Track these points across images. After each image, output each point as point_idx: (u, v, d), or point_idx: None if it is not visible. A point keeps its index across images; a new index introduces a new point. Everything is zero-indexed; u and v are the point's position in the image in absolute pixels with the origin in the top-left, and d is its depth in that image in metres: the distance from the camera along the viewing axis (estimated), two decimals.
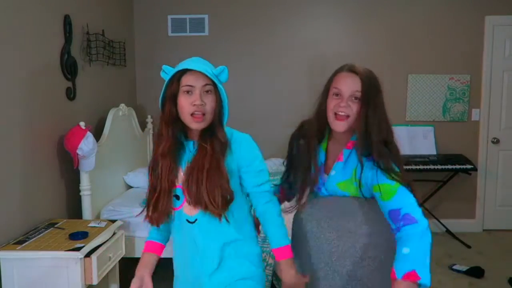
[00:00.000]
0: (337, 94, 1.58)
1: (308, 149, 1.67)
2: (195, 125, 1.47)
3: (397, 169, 1.52)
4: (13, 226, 2.39)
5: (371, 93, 1.55)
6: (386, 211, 1.45)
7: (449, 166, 4.04)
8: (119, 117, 3.54)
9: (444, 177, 4.32)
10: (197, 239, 1.52)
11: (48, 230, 2.48)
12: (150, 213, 1.53)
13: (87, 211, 2.93)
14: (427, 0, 4.28)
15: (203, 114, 1.45)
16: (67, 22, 2.94)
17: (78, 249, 2.22)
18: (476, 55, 4.32)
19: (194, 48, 4.36)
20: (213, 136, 1.48)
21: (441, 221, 4.34)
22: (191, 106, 1.45)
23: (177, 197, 1.51)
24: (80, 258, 2.22)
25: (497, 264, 3.67)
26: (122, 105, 3.61)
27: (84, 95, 3.20)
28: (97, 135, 3.20)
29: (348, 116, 1.55)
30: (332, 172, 1.62)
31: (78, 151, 2.73)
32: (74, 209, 3.01)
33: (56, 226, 2.56)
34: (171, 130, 1.51)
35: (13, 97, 2.41)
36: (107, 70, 3.66)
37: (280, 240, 1.53)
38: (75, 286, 2.22)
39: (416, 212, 1.40)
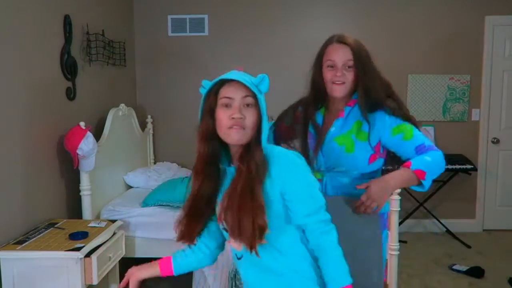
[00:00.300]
0: (331, 66, 1.72)
1: (306, 114, 1.79)
2: (234, 137, 1.30)
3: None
4: (13, 226, 2.39)
5: (362, 60, 1.72)
6: (411, 148, 1.67)
7: (449, 166, 4.04)
8: (119, 117, 3.54)
9: (444, 177, 4.31)
10: (246, 277, 1.42)
11: (48, 230, 2.48)
12: (182, 231, 1.45)
13: (87, 211, 2.93)
14: (427, 0, 4.28)
15: (243, 128, 1.30)
16: (67, 22, 2.94)
17: (78, 249, 2.22)
18: (476, 55, 4.32)
19: (194, 48, 4.37)
20: (250, 156, 1.31)
21: (441, 221, 4.34)
22: (230, 120, 1.30)
23: (226, 229, 1.36)
24: (80, 258, 2.21)
25: (497, 264, 3.67)
26: (122, 105, 3.61)
27: (84, 95, 3.20)
28: (97, 135, 3.20)
29: (343, 83, 1.71)
30: (332, 129, 1.76)
31: (78, 151, 2.73)
32: (74, 209, 3.01)
33: (56, 226, 2.56)
34: (208, 147, 1.37)
35: (13, 97, 2.41)
36: (107, 70, 3.66)
37: (339, 279, 1.31)
38: (75, 286, 2.22)
39: (433, 145, 1.69)
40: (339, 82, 1.70)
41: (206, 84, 1.37)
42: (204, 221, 1.43)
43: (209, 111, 1.35)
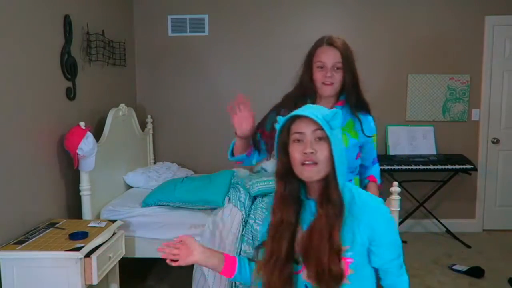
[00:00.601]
0: (321, 67, 1.84)
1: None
2: (306, 175, 1.32)
3: None
4: (13, 226, 2.39)
5: (349, 62, 1.84)
6: (374, 156, 2.15)
7: (449, 166, 4.04)
8: (119, 117, 3.54)
9: (444, 177, 4.32)
10: None
11: (48, 230, 2.48)
12: (267, 277, 1.38)
13: (87, 211, 2.93)
14: (427, 0, 4.27)
15: (315, 164, 1.30)
16: (67, 22, 2.94)
17: (78, 249, 2.22)
18: (476, 55, 4.32)
19: (194, 48, 4.37)
20: (328, 198, 1.32)
21: (441, 221, 4.34)
22: (302, 155, 1.31)
23: (297, 262, 1.38)
24: (80, 258, 2.21)
25: (497, 264, 3.67)
26: (122, 105, 3.61)
27: (84, 95, 3.20)
28: (97, 135, 3.20)
29: (333, 83, 1.84)
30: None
31: (78, 151, 2.73)
32: (74, 209, 3.01)
33: (56, 226, 2.56)
34: (286, 187, 1.38)
35: (13, 97, 2.41)
36: (107, 70, 3.66)
37: None
38: (75, 286, 2.22)
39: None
40: (328, 83, 1.83)
41: (280, 120, 1.40)
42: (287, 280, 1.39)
43: (283, 148, 1.38)
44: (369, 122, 1.98)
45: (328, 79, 1.82)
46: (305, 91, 1.91)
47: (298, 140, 1.33)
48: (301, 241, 1.35)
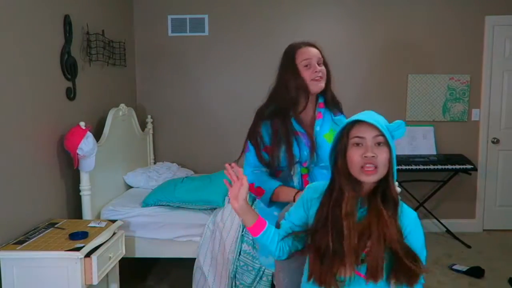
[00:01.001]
0: (307, 65, 1.90)
1: (285, 124, 1.89)
2: (366, 178, 1.36)
3: None
4: (13, 226, 2.39)
5: (325, 59, 1.96)
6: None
7: (449, 166, 4.04)
8: (119, 117, 3.54)
9: (444, 177, 4.32)
10: None
11: (48, 230, 2.48)
12: (319, 278, 1.40)
13: (87, 211, 2.94)
14: (427, 0, 4.28)
15: (376, 167, 1.35)
16: (67, 22, 2.94)
17: (78, 249, 2.22)
18: (476, 55, 4.32)
19: (194, 48, 4.37)
20: (385, 195, 1.39)
21: (441, 221, 4.34)
22: (362, 159, 1.36)
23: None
24: (80, 258, 2.21)
25: (497, 264, 3.67)
26: (122, 105, 3.61)
27: (84, 95, 3.20)
28: (97, 135, 3.20)
29: (322, 77, 1.92)
30: (317, 128, 1.94)
31: (78, 151, 2.73)
32: (74, 209, 3.01)
33: (56, 226, 2.56)
34: (350, 184, 1.40)
35: (13, 97, 2.41)
36: (107, 70, 3.66)
37: None
38: (75, 286, 2.22)
39: None
40: (318, 78, 1.90)
41: (341, 122, 1.52)
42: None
43: (342, 151, 1.42)
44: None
45: (318, 73, 1.90)
46: (297, 96, 1.90)
47: (358, 144, 1.38)
48: (355, 234, 1.38)
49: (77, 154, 2.74)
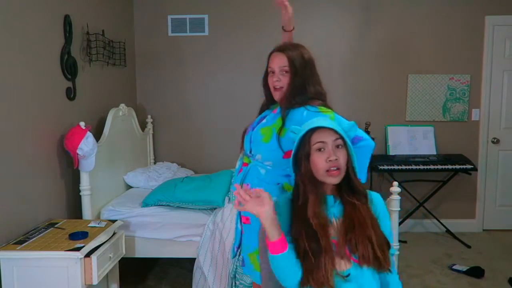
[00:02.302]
0: (272, 72, 1.94)
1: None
2: (331, 180, 1.49)
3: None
4: (13, 226, 2.39)
5: (296, 66, 1.89)
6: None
7: (449, 166, 4.04)
8: (119, 117, 3.54)
9: (444, 177, 4.32)
10: None
11: (48, 230, 2.48)
12: (313, 279, 1.42)
13: (87, 211, 2.93)
14: (427, 0, 4.27)
15: (338, 169, 1.48)
16: (67, 22, 2.94)
17: (78, 249, 2.22)
18: (476, 55, 4.32)
19: (194, 48, 4.37)
20: (353, 190, 1.52)
21: (441, 221, 4.34)
22: (326, 163, 1.47)
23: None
24: (80, 258, 2.21)
25: (497, 264, 3.67)
26: (122, 105, 3.61)
27: (84, 95, 3.20)
28: (97, 135, 3.20)
29: (281, 87, 1.91)
30: (264, 121, 1.98)
31: (78, 151, 2.73)
32: (74, 209, 3.01)
33: (56, 226, 2.56)
34: (314, 187, 1.50)
35: (13, 97, 2.41)
36: (107, 70, 3.66)
37: None
38: (75, 286, 2.22)
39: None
40: (278, 87, 1.92)
41: (297, 130, 1.55)
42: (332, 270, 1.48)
43: (305, 157, 1.51)
44: (298, 115, 1.86)
45: (276, 83, 1.91)
46: (267, 100, 2.03)
47: (320, 149, 1.49)
48: (341, 230, 1.48)
49: (77, 154, 2.74)
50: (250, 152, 2.00)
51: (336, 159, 1.46)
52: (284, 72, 1.91)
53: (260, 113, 2.08)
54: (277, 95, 1.93)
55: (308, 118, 1.79)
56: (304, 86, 1.90)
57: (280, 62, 1.91)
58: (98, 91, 3.48)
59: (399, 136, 4.34)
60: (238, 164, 2.11)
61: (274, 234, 1.45)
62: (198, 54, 4.38)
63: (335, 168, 1.47)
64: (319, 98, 1.92)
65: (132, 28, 4.33)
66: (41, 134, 2.67)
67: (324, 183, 1.51)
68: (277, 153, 1.89)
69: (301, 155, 1.52)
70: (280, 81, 1.91)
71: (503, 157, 4.43)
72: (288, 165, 1.83)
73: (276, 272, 1.48)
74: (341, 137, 1.50)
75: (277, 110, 1.95)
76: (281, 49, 1.95)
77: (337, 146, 1.50)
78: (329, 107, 1.90)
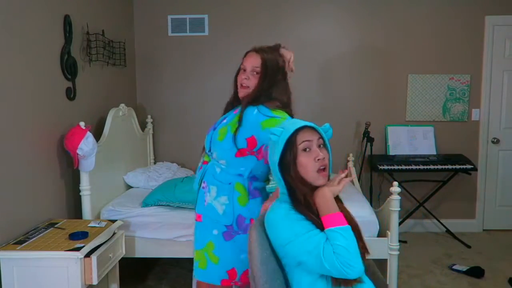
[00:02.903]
0: (244, 70, 1.95)
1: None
2: (322, 181, 1.47)
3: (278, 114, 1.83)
4: (13, 226, 2.39)
5: (268, 69, 1.89)
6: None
7: (449, 166, 4.04)
8: (119, 117, 3.54)
9: (444, 177, 4.32)
10: None
11: (48, 230, 2.48)
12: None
13: (87, 211, 2.93)
14: (427, 0, 4.28)
15: (325, 169, 1.48)
16: (67, 22, 2.94)
17: (78, 249, 2.22)
18: (476, 55, 4.32)
19: (194, 48, 4.37)
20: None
21: (441, 221, 4.34)
22: (315, 162, 1.45)
23: None
24: (80, 258, 2.21)
25: (497, 264, 3.67)
26: (122, 105, 3.61)
27: (84, 95, 3.20)
28: (97, 135, 3.20)
29: (248, 87, 1.91)
30: (224, 121, 1.99)
31: (78, 151, 2.73)
32: (74, 209, 3.01)
33: (56, 226, 2.56)
34: (307, 188, 1.49)
35: (13, 97, 2.41)
36: (107, 70, 3.66)
37: None
38: (75, 286, 2.22)
39: None
40: (244, 85, 1.93)
41: (277, 131, 1.50)
42: None
43: (293, 161, 1.47)
44: (250, 115, 1.86)
45: (244, 80, 1.93)
46: (234, 97, 2.05)
47: (305, 149, 1.46)
48: None
49: (77, 154, 2.74)
50: (210, 150, 2.02)
51: (324, 158, 1.46)
52: (254, 73, 1.91)
53: (224, 112, 2.10)
54: (241, 93, 1.95)
55: (257, 118, 1.82)
56: (270, 91, 1.90)
57: (253, 62, 1.92)
58: (98, 91, 3.48)
59: (399, 136, 4.34)
60: (200, 161, 2.15)
61: (336, 207, 1.44)
62: (198, 54, 4.38)
63: (323, 167, 1.46)
64: (283, 105, 1.90)
65: (132, 28, 4.33)
66: (41, 134, 2.67)
67: (313, 186, 1.48)
68: (231, 152, 1.89)
69: (289, 160, 1.48)
70: (249, 80, 1.92)
71: (503, 157, 4.43)
72: (241, 164, 1.89)
73: (348, 249, 1.33)
74: (321, 137, 1.50)
75: (238, 110, 1.96)
76: (258, 50, 1.95)
77: (319, 146, 1.49)
78: (288, 113, 1.89)
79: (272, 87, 1.90)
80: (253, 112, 1.86)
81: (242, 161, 1.90)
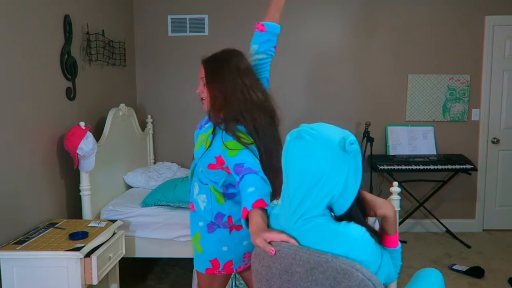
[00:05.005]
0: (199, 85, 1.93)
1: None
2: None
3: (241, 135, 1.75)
4: (13, 226, 2.39)
5: (213, 75, 1.85)
6: (232, 165, 1.69)
7: (449, 166, 4.04)
8: (119, 117, 3.54)
9: (444, 177, 4.32)
10: None
11: (48, 230, 2.48)
12: None
13: (87, 211, 2.94)
14: (427, 0, 4.28)
15: None
16: (67, 22, 2.94)
17: (78, 249, 2.22)
18: (476, 55, 4.32)
19: (194, 48, 4.37)
20: None
21: (441, 221, 4.34)
22: None
23: None
24: (80, 258, 2.22)
25: (497, 264, 3.67)
26: (122, 105, 3.61)
27: (84, 95, 3.20)
28: (97, 135, 3.20)
29: (203, 99, 1.91)
30: (204, 127, 1.97)
31: (78, 151, 2.73)
32: (74, 209, 3.01)
33: (56, 226, 2.56)
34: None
35: (13, 97, 2.41)
36: (107, 70, 3.66)
37: None
38: (75, 286, 2.22)
39: (257, 167, 1.63)
40: (201, 97, 1.92)
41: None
42: None
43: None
44: (218, 136, 1.80)
45: (200, 94, 1.92)
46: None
47: None
48: None
49: (77, 154, 2.74)
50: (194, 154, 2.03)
51: None
52: (203, 84, 1.90)
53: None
54: (203, 106, 1.92)
55: (224, 139, 1.74)
56: (226, 100, 1.80)
57: (200, 74, 1.91)
58: (98, 91, 3.48)
59: (399, 136, 4.34)
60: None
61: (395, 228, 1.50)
62: (198, 54, 4.36)
63: None
64: (242, 117, 1.78)
65: (132, 28, 4.33)
66: (41, 134, 2.67)
67: None
68: (204, 162, 1.88)
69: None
70: (202, 92, 1.91)
71: (503, 157, 4.43)
72: (215, 174, 1.88)
73: (392, 267, 1.45)
74: None
75: (209, 123, 1.95)
76: (203, 59, 1.93)
77: None
78: (239, 137, 1.74)
79: (226, 95, 1.80)
80: (220, 134, 1.79)
81: (215, 172, 1.88)
